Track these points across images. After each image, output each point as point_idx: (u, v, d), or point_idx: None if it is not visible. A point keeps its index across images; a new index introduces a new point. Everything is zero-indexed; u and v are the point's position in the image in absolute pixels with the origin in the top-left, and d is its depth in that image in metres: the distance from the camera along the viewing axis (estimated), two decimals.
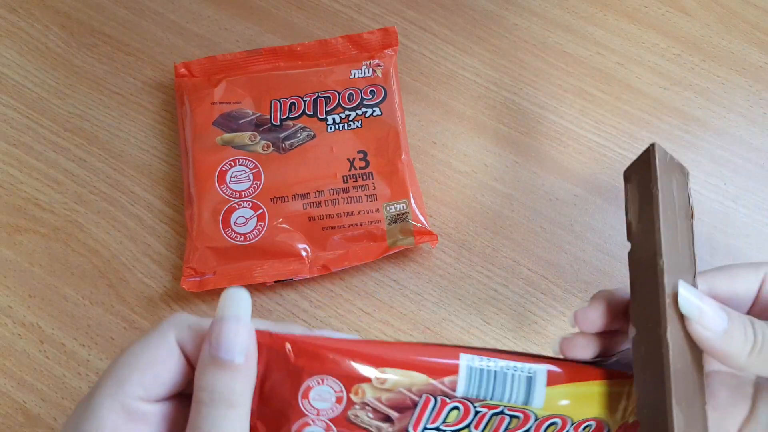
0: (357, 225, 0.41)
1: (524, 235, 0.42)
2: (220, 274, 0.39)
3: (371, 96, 0.43)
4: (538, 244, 0.42)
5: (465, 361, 0.24)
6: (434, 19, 0.48)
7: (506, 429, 0.24)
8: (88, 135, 0.44)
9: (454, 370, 0.24)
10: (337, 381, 0.23)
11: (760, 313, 0.26)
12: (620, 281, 0.41)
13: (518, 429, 0.24)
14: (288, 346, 0.23)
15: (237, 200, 0.41)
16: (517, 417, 0.24)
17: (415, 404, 0.24)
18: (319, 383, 0.23)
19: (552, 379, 0.25)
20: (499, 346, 0.39)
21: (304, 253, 0.40)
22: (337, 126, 0.42)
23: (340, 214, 0.41)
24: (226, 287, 0.37)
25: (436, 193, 0.43)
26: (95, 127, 0.45)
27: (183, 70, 0.44)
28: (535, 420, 0.24)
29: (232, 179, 0.41)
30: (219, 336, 0.21)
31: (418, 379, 0.24)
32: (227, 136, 0.42)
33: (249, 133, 0.42)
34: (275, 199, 0.41)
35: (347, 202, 0.41)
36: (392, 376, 0.23)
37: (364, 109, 0.43)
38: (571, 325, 0.27)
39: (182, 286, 0.39)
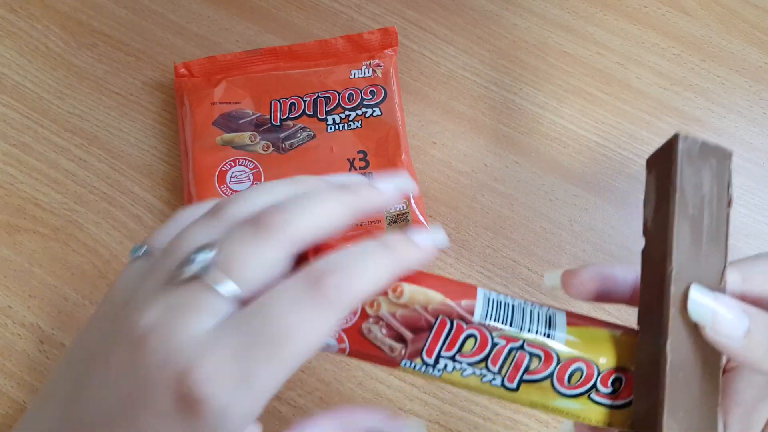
0: (357, 225, 0.41)
1: (524, 235, 0.42)
2: None
3: (371, 96, 0.43)
4: (538, 244, 0.42)
5: (482, 290, 0.23)
6: (434, 19, 0.48)
7: (526, 370, 0.23)
8: (88, 135, 0.44)
9: (471, 295, 0.23)
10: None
11: None
12: None
13: (539, 372, 0.23)
14: (310, 249, 0.22)
15: None
16: (538, 356, 0.23)
17: (430, 326, 0.22)
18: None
19: (573, 321, 0.23)
20: None
21: None
22: (337, 126, 0.42)
23: None
24: None
25: (436, 193, 0.43)
26: (95, 128, 0.45)
27: (183, 70, 0.44)
28: (557, 363, 0.23)
29: (232, 179, 0.41)
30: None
31: (435, 297, 0.23)
32: (227, 136, 0.42)
33: (249, 134, 0.42)
34: None
35: None
36: (409, 290, 0.23)
37: (364, 109, 0.43)
38: (549, 284, 0.25)
39: None
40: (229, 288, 0.19)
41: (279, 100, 0.43)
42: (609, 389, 0.23)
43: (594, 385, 0.23)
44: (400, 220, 0.41)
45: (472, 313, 0.23)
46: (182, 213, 0.24)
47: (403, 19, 0.48)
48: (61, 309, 0.40)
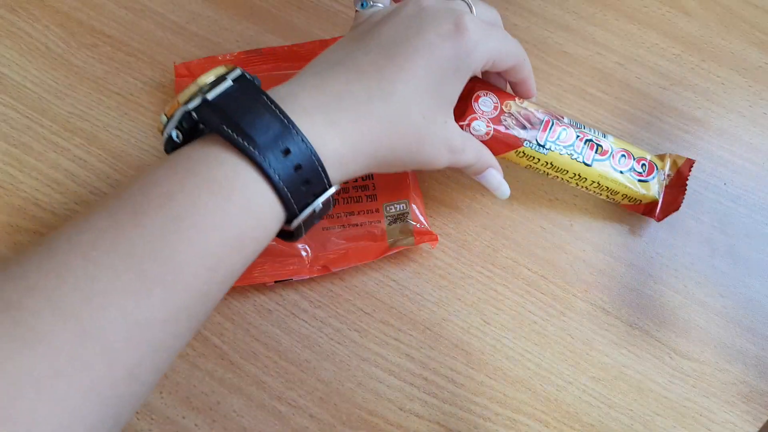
0: (357, 225, 0.41)
1: (524, 235, 0.42)
2: None
3: None
4: (538, 244, 0.42)
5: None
6: None
7: (596, 152, 0.39)
8: (87, 135, 0.44)
9: (561, 112, 0.43)
10: (495, 96, 0.38)
11: None
12: (619, 281, 0.41)
13: (603, 155, 0.39)
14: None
15: None
16: (600, 146, 0.40)
17: (540, 121, 0.38)
18: (484, 95, 0.38)
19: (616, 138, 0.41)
20: (499, 347, 0.39)
21: (303, 253, 0.40)
22: None
23: (339, 214, 0.41)
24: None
25: (436, 193, 0.43)
26: (95, 127, 0.45)
27: (183, 70, 0.44)
28: (612, 151, 0.40)
29: None
30: None
31: (540, 108, 0.39)
32: None
33: None
34: None
35: (347, 202, 0.41)
36: (526, 101, 0.39)
37: None
38: None
39: None
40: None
41: None
42: (640, 168, 0.40)
43: (632, 167, 0.40)
44: (400, 219, 0.41)
45: (563, 118, 0.39)
46: None
47: None
48: None
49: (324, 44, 0.45)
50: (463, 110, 0.37)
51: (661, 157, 0.42)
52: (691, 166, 0.41)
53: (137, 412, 0.37)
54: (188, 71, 0.44)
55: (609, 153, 0.39)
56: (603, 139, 0.40)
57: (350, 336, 0.39)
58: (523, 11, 0.49)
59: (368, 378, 0.38)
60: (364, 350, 0.39)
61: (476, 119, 0.37)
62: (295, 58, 0.45)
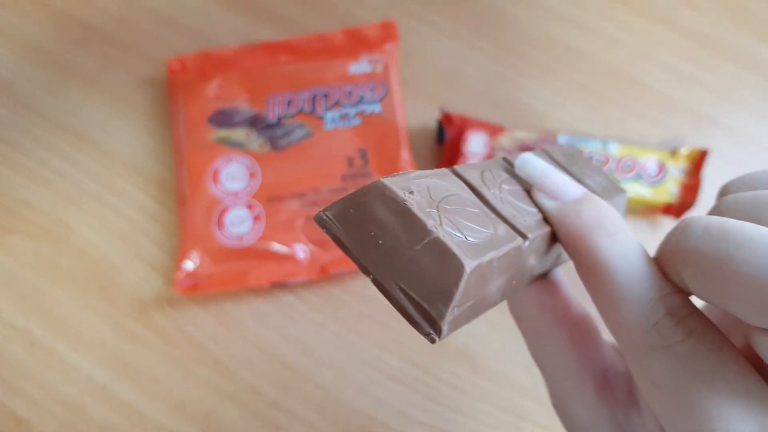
0: None
1: None
2: (214, 276, 0.38)
3: (371, 92, 0.42)
4: None
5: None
6: (436, 12, 0.47)
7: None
8: (78, 132, 0.43)
9: (554, 136, 0.42)
10: (486, 132, 0.40)
11: None
12: None
13: (605, 165, 0.40)
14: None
15: (232, 200, 0.39)
16: (600, 160, 0.40)
17: (533, 148, 0.39)
18: (475, 134, 0.41)
19: (622, 142, 0.42)
20: (504, 351, 0.38)
21: (302, 255, 0.39)
22: (335, 123, 0.41)
23: None
24: (221, 289, 0.36)
25: None
26: (86, 125, 0.43)
27: (176, 65, 0.43)
28: (615, 161, 0.40)
29: (227, 178, 0.40)
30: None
31: (533, 135, 0.41)
32: (222, 133, 0.41)
33: (245, 131, 0.41)
34: (272, 199, 0.39)
35: None
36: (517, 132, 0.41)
37: (363, 106, 0.42)
38: None
39: (175, 289, 0.38)
40: None
41: (276, 96, 0.42)
42: (649, 171, 0.41)
43: (638, 174, 0.40)
44: None
45: (556, 141, 0.41)
46: None
47: (403, 13, 0.47)
48: (52, 311, 0.39)
49: (321, 38, 0.43)
50: (456, 159, 0.39)
51: (674, 153, 0.42)
52: (704, 157, 0.41)
53: (129, 418, 0.36)
54: (182, 66, 0.43)
55: (610, 163, 0.40)
56: (604, 145, 0.41)
57: (350, 340, 0.38)
58: (527, 5, 0.47)
59: (369, 383, 0.37)
60: (365, 355, 0.38)
61: (468, 159, 0.40)
62: (292, 51, 0.43)
